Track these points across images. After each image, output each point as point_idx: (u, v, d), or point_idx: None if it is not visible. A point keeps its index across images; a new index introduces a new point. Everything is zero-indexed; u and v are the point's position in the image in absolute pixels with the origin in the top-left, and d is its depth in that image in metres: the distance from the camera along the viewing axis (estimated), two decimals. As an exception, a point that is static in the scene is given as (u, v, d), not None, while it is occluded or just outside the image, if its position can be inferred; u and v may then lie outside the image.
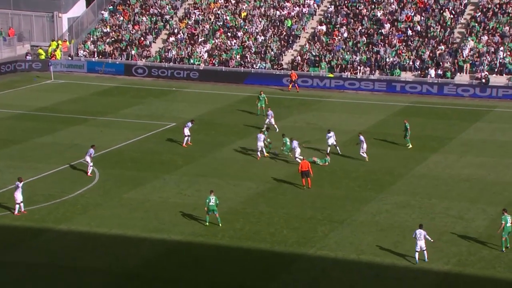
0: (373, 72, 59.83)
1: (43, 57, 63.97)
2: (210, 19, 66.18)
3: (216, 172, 38.82)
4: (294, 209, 33.92)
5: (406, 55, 59.75)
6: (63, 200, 34.42)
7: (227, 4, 67.38)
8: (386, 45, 60.90)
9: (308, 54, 61.49)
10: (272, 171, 38.98)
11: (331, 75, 59.66)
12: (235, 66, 61.72)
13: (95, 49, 64.82)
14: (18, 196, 32.59)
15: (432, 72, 58.03)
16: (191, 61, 62.53)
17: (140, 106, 51.49)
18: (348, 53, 61.01)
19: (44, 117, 49.09)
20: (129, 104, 51.58)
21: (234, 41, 63.70)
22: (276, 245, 30.18)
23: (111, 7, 68.65)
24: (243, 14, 65.97)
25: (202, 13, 66.80)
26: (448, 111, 52.45)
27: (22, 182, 32.94)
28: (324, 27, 63.60)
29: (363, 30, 62.71)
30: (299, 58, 61.15)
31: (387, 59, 59.80)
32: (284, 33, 64.02)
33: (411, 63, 59.42)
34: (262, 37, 63.67)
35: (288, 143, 40.29)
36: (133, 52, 63.85)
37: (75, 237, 30.79)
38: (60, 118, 48.59)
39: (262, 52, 62.44)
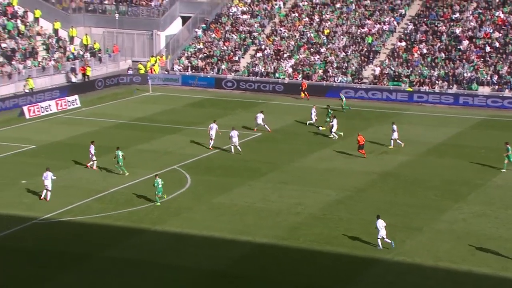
0: (451, 86, 58.55)
1: (142, 71, 65.61)
2: (295, 36, 66.37)
3: (298, 179, 38.83)
4: (372, 216, 33.42)
5: (484, 70, 58.18)
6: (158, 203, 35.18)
7: (311, 22, 67.42)
8: (464, 60, 59.48)
9: (387, 69, 60.80)
10: (350, 180, 38.67)
11: (409, 89, 58.76)
12: (318, 80, 61.65)
13: (189, 64, 66.07)
14: (48, 183, 34.66)
15: (510, 86, 56.24)
16: (277, 75, 62.86)
17: (229, 117, 52.10)
18: (426, 68, 59.97)
19: (142, 126, 50.32)
20: (219, 115, 52.24)
21: (317, 56, 63.66)
22: (354, 250, 29.91)
23: (204, 25, 69.85)
24: (326, 31, 65.85)
25: (288, 30, 67.07)
26: (525, 124, 50.74)
27: (50, 172, 35.01)
28: (403, 44, 62.74)
29: (441, 46, 61.50)
30: (378, 71, 60.54)
31: (465, 74, 58.38)
32: (365, 49, 63.51)
33: (488, 78, 57.81)
34: (344, 53, 63.38)
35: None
36: (223, 66, 64.73)
37: (168, 238, 31.38)
38: (156, 127, 49.71)
39: (343, 67, 62.15)
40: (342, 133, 46.53)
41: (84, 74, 62.74)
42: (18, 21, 63.71)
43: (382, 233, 29.77)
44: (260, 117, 48.23)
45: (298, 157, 42.73)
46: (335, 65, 62.48)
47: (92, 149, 39.72)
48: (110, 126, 50.30)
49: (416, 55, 61.41)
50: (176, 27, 71.74)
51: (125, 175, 38.59)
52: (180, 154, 43.11)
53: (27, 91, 56.83)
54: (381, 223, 29.88)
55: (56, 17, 67.68)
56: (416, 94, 58.20)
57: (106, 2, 72.55)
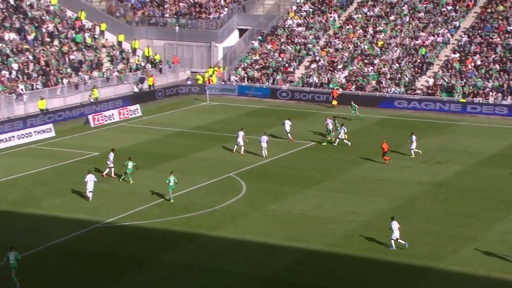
0: (505, 97, 57.16)
1: (200, 82, 66.21)
2: (349, 47, 65.99)
3: (351, 188, 38.48)
4: (425, 225, 32.96)
5: (538, 81, 56.69)
6: (215, 210, 35.31)
7: (365, 34, 66.94)
8: (519, 71, 58.07)
9: (441, 80, 59.81)
10: (403, 190, 38.12)
11: (463, 100, 57.64)
12: (371, 90, 61.09)
13: (245, 75, 66.37)
14: (90, 185, 35.83)
15: None
16: (331, 85, 62.56)
17: (283, 127, 52.01)
18: (480, 79, 58.74)
19: (199, 135, 50.73)
20: (274, 124, 52.27)
21: (371, 67, 63.11)
22: (407, 259, 29.42)
23: (261, 37, 70.12)
24: (380, 43, 65.26)
25: (342, 42, 66.74)
26: None
27: (92, 174, 36.36)
28: (457, 55, 61.64)
29: (496, 58, 60.16)
30: (432, 82, 59.64)
31: (519, 85, 56.98)
32: (418, 61, 62.66)
33: (543, 89, 56.28)
34: (397, 65, 62.67)
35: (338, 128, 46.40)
36: (278, 77, 64.80)
37: (224, 243, 31.47)
38: (213, 136, 50.06)
39: (397, 78, 61.43)
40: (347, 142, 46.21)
41: (152, 84, 63.97)
42: (86, 34, 65.25)
43: (396, 234, 29.90)
44: (287, 124, 47.87)
45: (351, 166, 42.38)
46: (388, 76, 61.81)
47: (112, 156, 39.78)
48: (170, 134, 50.88)
49: (470, 66, 60.25)
50: (233, 39, 72.24)
51: (129, 183, 38.76)
52: (236, 162, 43.26)
53: (92, 100, 58.07)
54: (395, 225, 30.03)
55: (120, 30, 69.04)
56: (469, 105, 57.06)
57: (167, 15, 73.65)
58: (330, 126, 47.70)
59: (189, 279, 27.97)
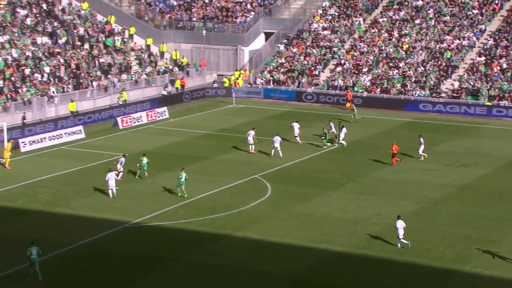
0: (531, 100, 56.25)
1: (227, 84, 66.24)
2: (374, 51, 65.48)
3: (375, 190, 38.10)
4: (449, 228, 32.47)
5: None
6: (240, 211, 35.23)
7: (390, 38, 66.36)
8: (545, 74, 57.07)
9: (466, 83, 59.03)
10: (427, 192, 37.63)
11: (489, 103, 56.81)
12: (396, 93, 60.53)
13: (271, 78, 66.23)
14: (112, 183, 36.41)
15: None
16: (355, 88, 62.12)
17: (307, 129, 51.75)
18: (506, 83, 57.85)
19: (225, 137, 50.69)
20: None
21: (396, 71, 62.54)
22: (432, 261, 29.01)
23: (286, 40, 69.93)
24: (405, 46, 64.64)
25: (367, 45, 66.25)
26: None
27: (113, 172, 37.04)
28: (483, 59, 60.80)
29: (521, 61, 59.27)
30: (457, 86, 58.89)
31: (546, 88, 56.00)
32: (443, 64, 61.94)
33: None
34: (422, 68, 62.02)
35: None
36: (303, 80, 64.53)
37: (249, 244, 31.35)
38: (239, 138, 49.90)
39: (422, 81, 60.79)
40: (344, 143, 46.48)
41: (182, 86, 64.22)
42: (115, 38, 65.68)
43: (400, 232, 29.97)
44: (296, 127, 47.50)
45: (375, 168, 41.97)
46: (413, 79, 61.19)
47: (123, 161, 40.04)
48: (196, 136, 50.92)
49: (495, 69, 59.39)
50: (259, 42, 72.14)
51: (146, 178, 39.64)
52: (261, 164, 43.13)
53: (121, 103, 58.38)
54: (400, 223, 30.10)
55: (148, 33, 69.38)
56: (495, 108, 56.23)
57: (194, 19, 73.84)
58: (333, 130, 47.70)
59: (214, 279, 27.88)
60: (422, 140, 43.66)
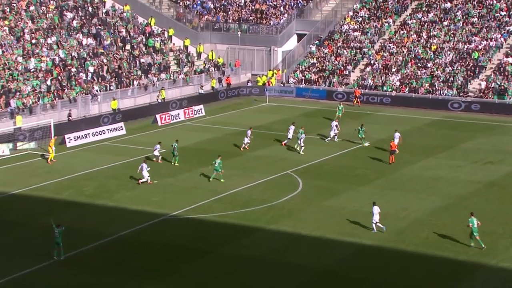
0: (557, 100, 55.12)
1: (260, 83, 66.27)
2: (403, 51, 64.85)
3: (404, 186, 37.79)
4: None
5: None
6: (273, 205, 35.25)
7: (419, 39, 65.65)
8: None
9: (493, 83, 58.09)
10: (455, 188, 37.18)
11: (515, 102, 55.89)
12: (424, 93, 59.87)
13: (303, 77, 66.09)
14: (145, 173, 37.76)
15: None
16: (384, 88, 61.61)
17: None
18: (532, 82, 56.83)
19: (259, 134, 50.58)
20: (328, 124, 51.64)
21: (424, 71, 61.85)
22: (458, 255, 28.69)
23: (318, 41, 69.68)
24: (433, 47, 63.88)
25: (396, 46, 65.64)
26: None
27: (146, 163, 38.10)
28: (510, 59, 59.72)
29: (548, 61, 58.06)
30: (484, 85, 58.00)
31: None
32: (471, 64, 61.05)
33: None
34: (450, 68, 61.22)
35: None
36: (334, 80, 64.24)
37: (282, 237, 31.34)
38: (272, 135, 49.96)
39: (449, 81, 60.00)
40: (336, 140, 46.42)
41: (228, 84, 64.34)
42: (155, 39, 66.23)
43: (376, 218, 30.63)
44: (292, 129, 46.41)
45: (404, 165, 41.60)
46: (441, 79, 60.45)
47: (158, 147, 41.87)
48: (231, 133, 51.04)
49: (522, 69, 58.32)
50: (292, 43, 72.04)
51: (175, 165, 41.07)
52: (294, 160, 43.10)
53: (160, 101, 58.87)
54: (376, 209, 30.67)
55: (186, 35, 69.80)
56: (521, 107, 55.26)
57: (230, 21, 74.05)
58: (335, 129, 47.25)
59: (248, 271, 27.96)
60: (397, 134, 43.71)
